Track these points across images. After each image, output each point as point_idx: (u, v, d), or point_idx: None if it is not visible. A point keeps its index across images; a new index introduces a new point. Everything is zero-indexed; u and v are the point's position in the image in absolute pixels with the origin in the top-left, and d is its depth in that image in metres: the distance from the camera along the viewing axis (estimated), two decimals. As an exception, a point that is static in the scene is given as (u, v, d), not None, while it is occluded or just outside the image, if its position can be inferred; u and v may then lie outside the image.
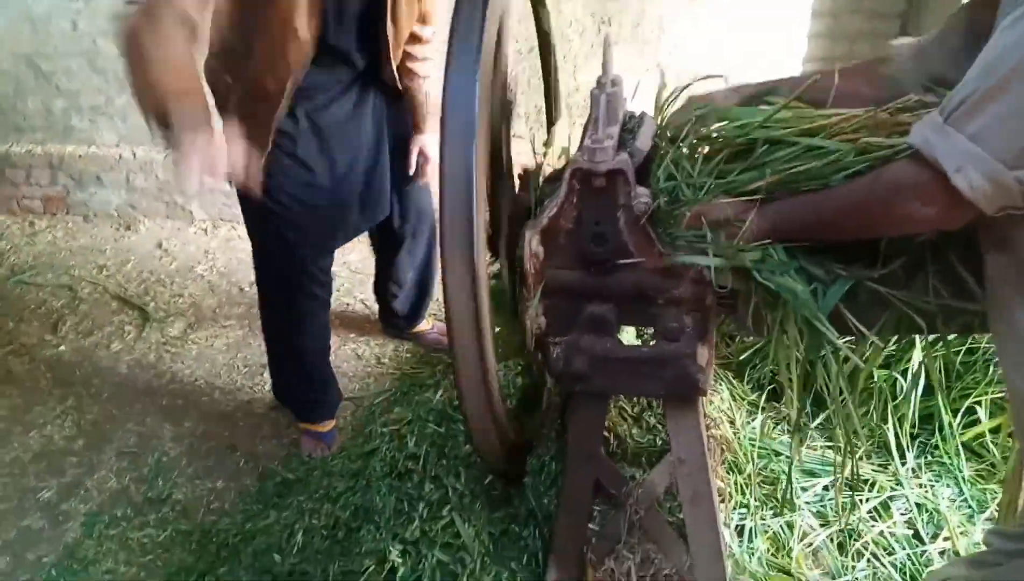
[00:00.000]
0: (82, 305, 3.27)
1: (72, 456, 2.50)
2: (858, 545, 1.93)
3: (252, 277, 2.40)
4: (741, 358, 2.32)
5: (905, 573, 1.89)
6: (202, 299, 3.26)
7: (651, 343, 1.36)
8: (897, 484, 2.05)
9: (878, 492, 2.03)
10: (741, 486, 1.98)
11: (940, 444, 2.09)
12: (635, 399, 1.77)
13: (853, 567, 1.90)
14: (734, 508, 1.87)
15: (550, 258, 1.33)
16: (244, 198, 2.11)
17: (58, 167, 3.83)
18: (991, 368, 2.05)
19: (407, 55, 2.12)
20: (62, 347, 3.01)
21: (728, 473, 1.94)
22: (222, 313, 3.16)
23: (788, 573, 1.89)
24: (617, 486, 1.46)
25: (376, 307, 2.91)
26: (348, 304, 3.15)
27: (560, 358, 1.39)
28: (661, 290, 1.31)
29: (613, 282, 1.33)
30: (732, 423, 2.08)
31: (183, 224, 3.81)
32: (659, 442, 1.65)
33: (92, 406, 2.70)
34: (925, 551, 1.92)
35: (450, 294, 1.17)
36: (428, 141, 2.27)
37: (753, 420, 2.14)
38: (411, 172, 2.28)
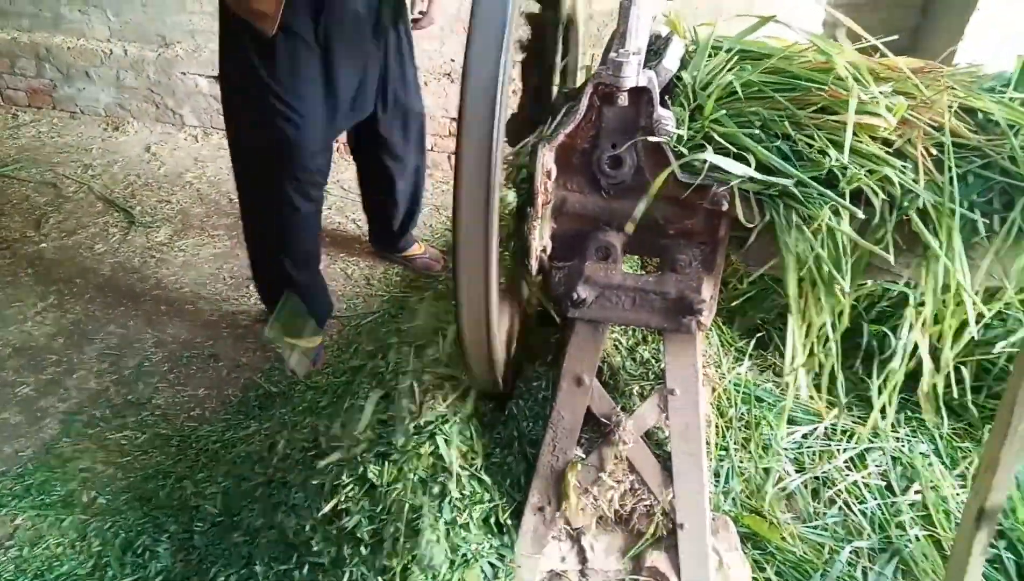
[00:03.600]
0: (66, 204, 3.19)
1: (52, 354, 2.47)
2: (831, 493, 1.97)
3: (238, 190, 2.33)
4: (732, 305, 2.32)
5: (874, 522, 1.93)
6: (190, 207, 3.19)
7: (655, 274, 1.34)
8: (875, 436, 2.08)
9: (856, 443, 2.06)
10: (722, 429, 2.00)
11: (922, 401, 2.12)
12: (631, 331, 1.76)
13: (824, 513, 1.94)
14: (713, 451, 1.89)
15: (562, 178, 1.30)
16: (230, 98, 2.07)
17: (45, 58, 3.68)
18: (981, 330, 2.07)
19: None
20: (44, 244, 2.95)
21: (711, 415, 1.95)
22: (210, 222, 3.10)
23: (761, 515, 1.93)
24: (607, 415, 1.46)
25: (367, 228, 2.86)
26: (339, 223, 3.10)
27: (562, 283, 1.37)
28: (673, 220, 1.28)
29: (624, 209, 1.30)
30: (718, 367, 2.09)
31: (173, 129, 3.71)
32: (652, 376, 1.65)
33: (74, 305, 2.66)
34: (895, 502, 1.96)
35: (461, 191, 1.12)
36: None
37: (739, 366, 2.15)
38: (415, 14, 2.27)
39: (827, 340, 1.27)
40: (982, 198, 1.17)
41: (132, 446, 2.17)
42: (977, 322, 1.18)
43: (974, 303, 1.17)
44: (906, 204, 1.15)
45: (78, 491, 2.00)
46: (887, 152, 1.16)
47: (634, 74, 1.16)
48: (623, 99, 1.18)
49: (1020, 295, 1.21)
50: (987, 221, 1.17)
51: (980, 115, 1.20)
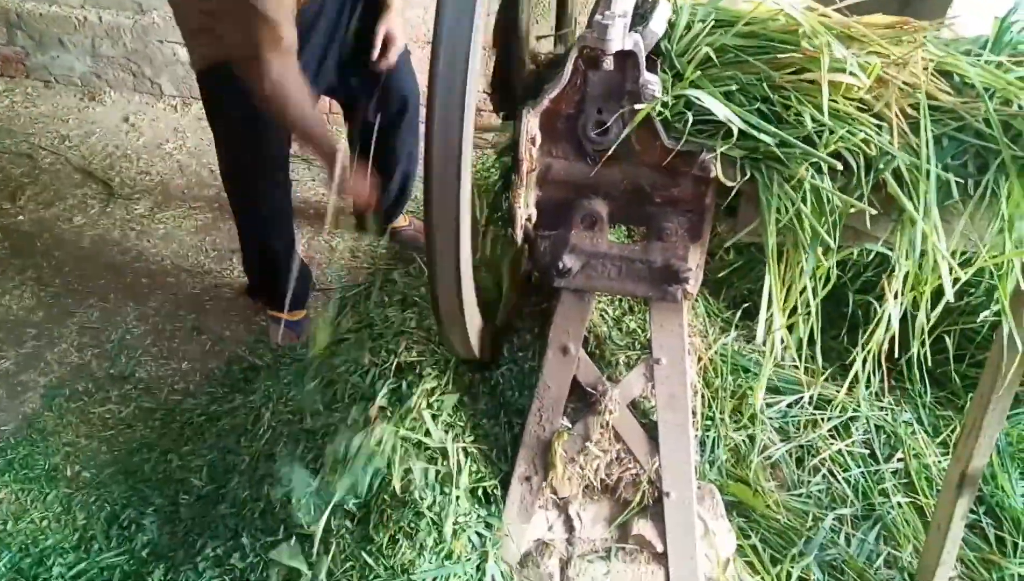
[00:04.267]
0: (43, 175, 3.13)
1: (31, 328, 2.43)
2: (815, 461, 1.99)
3: (219, 165, 2.31)
4: (719, 275, 2.31)
5: (858, 490, 1.95)
6: (170, 178, 3.14)
7: (641, 243, 1.33)
8: (858, 406, 2.10)
9: (840, 413, 2.08)
10: (708, 399, 2.00)
11: (906, 371, 2.13)
12: (616, 301, 1.75)
13: (809, 481, 1.96)
14: (699, 420, 1.89)
15: (547, 144, 1.28)
16: (204, 81, 2.05)
17: (16, 25, 3.58)
18: (963, 299, 2.08)
19: None
20: (21, 217, 2.90)
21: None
22: (191, 194, 3.05)
23: (746, 483, 1.95)
24: (593, 384, 1.46)
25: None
26: (324, 195, 3.06)
27: (547, 252, 1.35)
28: (660, 188, 1.27)
29: (610, 176, 1.29)
30: (704, 338, 2.09)
31: (152, 99, 3.63)
32: (638, 346, 1.65)
33: (53, 278, 2.62)
34: (879, 470, 1.98)
35: (433, 162, 1.11)
36: (394, 22, 2.14)
37: (725, 336, 2.15)
38: (375, 56, 2.15)
39: (808, 306, 1.26)
40: (956, 161, 1.16)
41: (116, 420, 2.15)
42: (953, 286, 1.18)
43: (950, 268, 1.17)
44: (881, 166, 1.14)
45: (62, 465, 1.99)
46: (864, 112, 1.14)
47: (619, 37, 1.13)
48: (608, 63, 1.16)
49: (994, 260, 1.21)
50: (961, 181, 1.16)
51: (956, 77, 1.19)
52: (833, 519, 1.87)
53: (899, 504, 1.91)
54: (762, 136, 1.14)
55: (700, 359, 1.78)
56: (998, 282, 1.24)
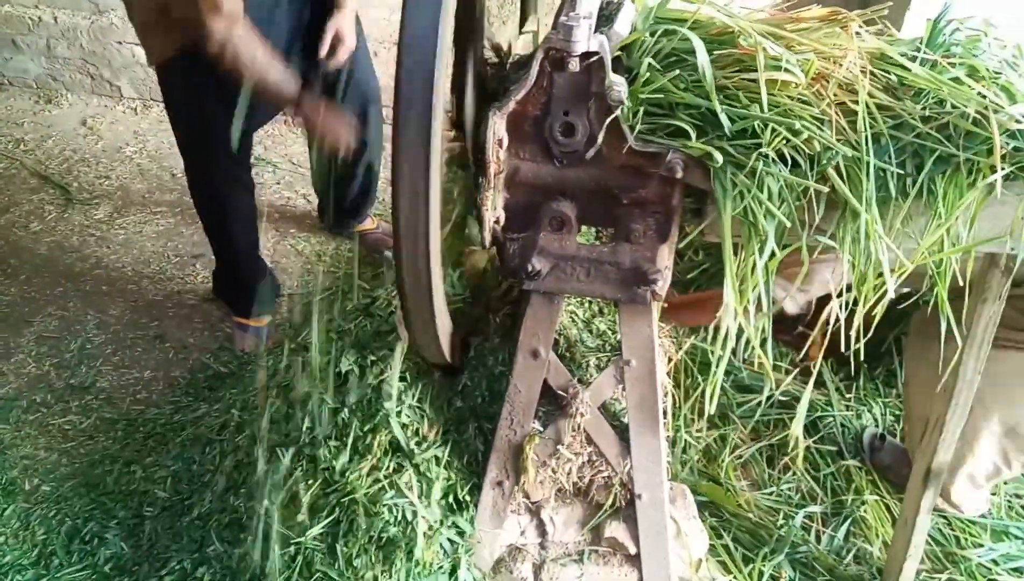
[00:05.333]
0: (-3, 181, 3.04)
1: (-14, 338, 2.36)
2: (786, 459, 2.00)
3: (183, 164, 2.26)
4: (688, 276, 2.32)
5: (827, 488, 1.97)
6: (130, 183, 3.07)
7: (609, 245, 1.32)
8: (828, 405, 2.12)
9: (809, 412, 2.09)
10: (679, 400, 2.01)
11: (864, 372, 2.17)
12: (586, 304, 1.74)
13: (780, 479, 1.98)
14: (670, 421, 1.90)
15: (514, 147, 1.27)
16: (162, 76, 2.01)
17: (-33, 26, 3.48)
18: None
19: None
20: (-27, 224, 2.81)
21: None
22: (152, 199, 2.99)
23: (718, 483, 1.96)
24: (563, 387, 1.45)
25: (317, 202, 2.79)
26: (289, 198, 3.02)
27: (516, 255, 1.34)
28: (627, 189, 1.26)
29: (577, 178, 1.28)
30: (674, 339, 2.09)
31: (110, 102, 3.55)
32: (608, 348, 1.64)
33: (8, 287, 2.54)
34: (845, 465, 2.00)
35: (399, 164, 1.09)
36: (345, 21, 2.11)
37: (695, 337, 2.16)
38: (323, 54, 2.11)
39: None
40: (895, 159, 1.18)
41: (76, 431, 2.09)
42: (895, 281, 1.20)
43: (891, 263, 1.18)
44: (824, 161, 1.16)
45: (19, 478, 1.93)
46: (805, 109, 1.16)
47: (585, 39, 1.12)
48: (574, 64, 1.15)
49: (935, 257, 1.23)
50: (900, 176, 1.18)
51: (894, 76, 1.20)
52: (804, 517, 1.89)
53: (865, 501, 1.93)
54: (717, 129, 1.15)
55: (670, 360, 1.79)
56: (937, 279, 1.26)
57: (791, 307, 1.64)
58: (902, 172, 1.18)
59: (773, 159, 1.15)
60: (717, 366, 1.31)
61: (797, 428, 1.51)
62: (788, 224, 1.19)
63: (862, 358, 1.95)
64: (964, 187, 1.19)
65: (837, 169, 1.17)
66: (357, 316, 1.89)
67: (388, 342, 1.82)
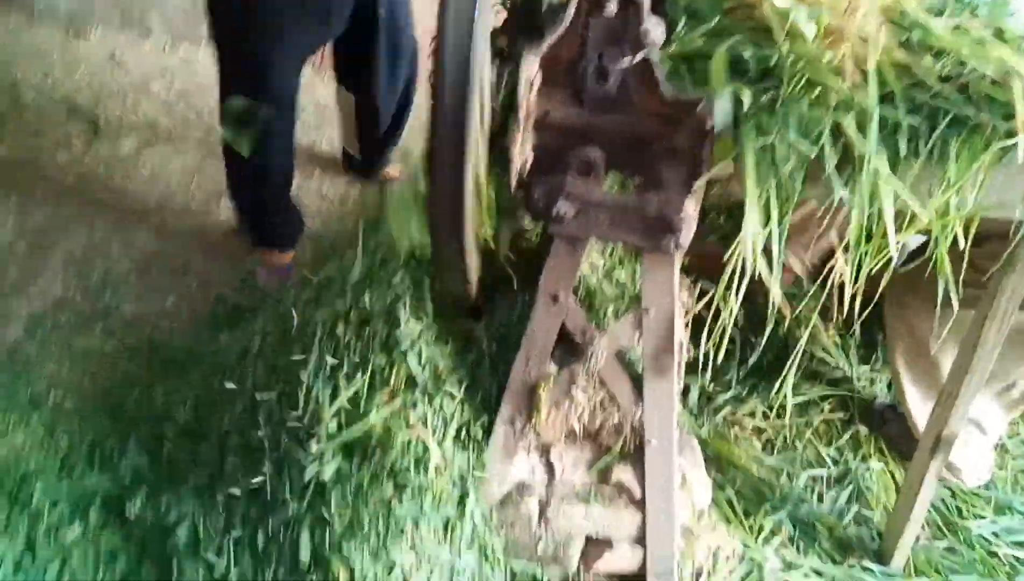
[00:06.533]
0: (26, 111, 3.06)
1: (13, 259, 2.40)
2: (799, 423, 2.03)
3: (212, 103, 2.27)
4: (706, 238, 2.33)
5: (838, 450, 1.99)
6: (157, 119, 3.08)
7: (636, 192, 1.33)
8: (836, 369, 2.15)
9: (826, 382, 2.12)
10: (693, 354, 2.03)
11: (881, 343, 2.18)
12: (607, 253, 1.76)
13: (788, 440, 2.01)
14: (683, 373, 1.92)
15: (545, 90, 1.28)
16: (215, 8, 2.00)
17: (-1, -44, 3.48)
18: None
19: None
20: (2, 150, 2.84)
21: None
22: (178, 135, 3.01)
23: (725, 439, 1.98)
24: (581, 331, 1.47)
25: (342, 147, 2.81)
26: (314, 141, 3.03)
27: (542, 198, 1.36)
28: (656, 137, 1.27)
29: (607, 124, 1.29)
30: (691, 293, 2.11)
31: (139, 38, 3.54)
32: (627, 298, 1.66)
33: (35, 211, 2.58)
34: (854, 430, 2.03)
35: (440, 96, 1.11)
36: None
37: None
38: None
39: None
40: (911, 118, 1.17)
41: (99, 353, 2.14)
42: (897, 242, 1.22)
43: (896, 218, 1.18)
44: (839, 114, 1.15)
45: (44, 393, 1.98)
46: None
47: (626, -21, 1.13)
48: (611, 8, 1.15)
49: (942, 220, 1.24)
50: (912, 131, 1.18)
51: (913, 36, 1.19)
52: (809, 477, 1.92)
53: (871, 468, 1.96)
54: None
55: (687, 313, 1.80)
56: (939, 243, 1.26)
57: (797, 267, 1.65)
58: (914, 125, 1.17)
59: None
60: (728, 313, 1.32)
61: (789, 379, 1.49)
62: (811, 154, 1.18)
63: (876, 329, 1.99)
64: (978, 150, 1.18)
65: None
66: (382, 255, 1.92)
67: (408, 285, 1.85)
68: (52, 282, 2.33)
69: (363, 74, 2.40)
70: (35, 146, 2.87)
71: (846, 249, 1.27)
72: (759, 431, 2.01)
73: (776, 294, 1.27)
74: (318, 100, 3.22)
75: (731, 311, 1.32)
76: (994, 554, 1.80)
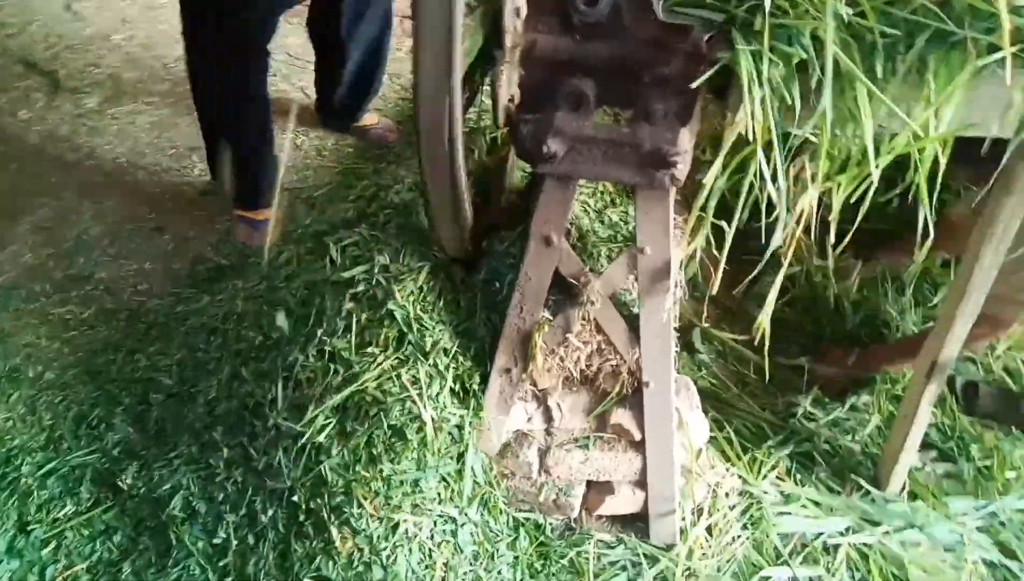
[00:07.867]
0: (-20, 67, 2.92)
1: (-21, 227, 2.32)
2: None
3: (177, 52, 2.16)
4: (697, 177, 2.28)
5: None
6: (121, 72, 2.95)
7: (628, 125, 1.27)
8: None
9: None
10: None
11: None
12: (599, 193, 1.71)
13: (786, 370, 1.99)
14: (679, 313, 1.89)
15: (532, 17, 1.20)
16: None
17: (-61, -99, 3.27)
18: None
19: None
20: (-42, 110, 2.72)
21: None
22: (144, 88, 2.88)
23: (721, 379, 1.97)
24: (575, 275, 1.43)
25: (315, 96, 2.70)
26: (286, 91, 2.92)
27: (530, 136, 1.29)
28: (650, 65, 1.20)
29: (598, 52, 1.22)
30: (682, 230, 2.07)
31: (95, -13, 3.38)
32: (620, 238, 1.61)
33: (0, 176, 2.47)
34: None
35: (421, 44, 1.04)
36: None
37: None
38: None
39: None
40: (888, 36, 1.11)
41: (77, 321, 2.08)
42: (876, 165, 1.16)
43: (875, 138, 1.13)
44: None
45: (23, 366, 1.93)
46: None
47: None
48: (601, -76, 1.07)
49: (919, 143, 1.18)
50: (888, 49, 1.12)
51: None
52: (805, 410, 1.91)
53: (866, 398, 1.96)
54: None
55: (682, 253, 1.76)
56: (919, 165, 1.22)
57: None
58: (892, 42, 1.11)
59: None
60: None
61: (766, 313, 1.43)
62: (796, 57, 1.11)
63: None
64: (957, 67, 1.12)
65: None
66: (363, 208, 1.86)
67: (393, 234, 1.79)
68: (22, 250, 2.25)
69: (330, 16, 2.30)
70: (-7, 105, 2.75)
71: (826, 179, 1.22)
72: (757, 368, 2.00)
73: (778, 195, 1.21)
74: (288, 47, 3.10)
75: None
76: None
